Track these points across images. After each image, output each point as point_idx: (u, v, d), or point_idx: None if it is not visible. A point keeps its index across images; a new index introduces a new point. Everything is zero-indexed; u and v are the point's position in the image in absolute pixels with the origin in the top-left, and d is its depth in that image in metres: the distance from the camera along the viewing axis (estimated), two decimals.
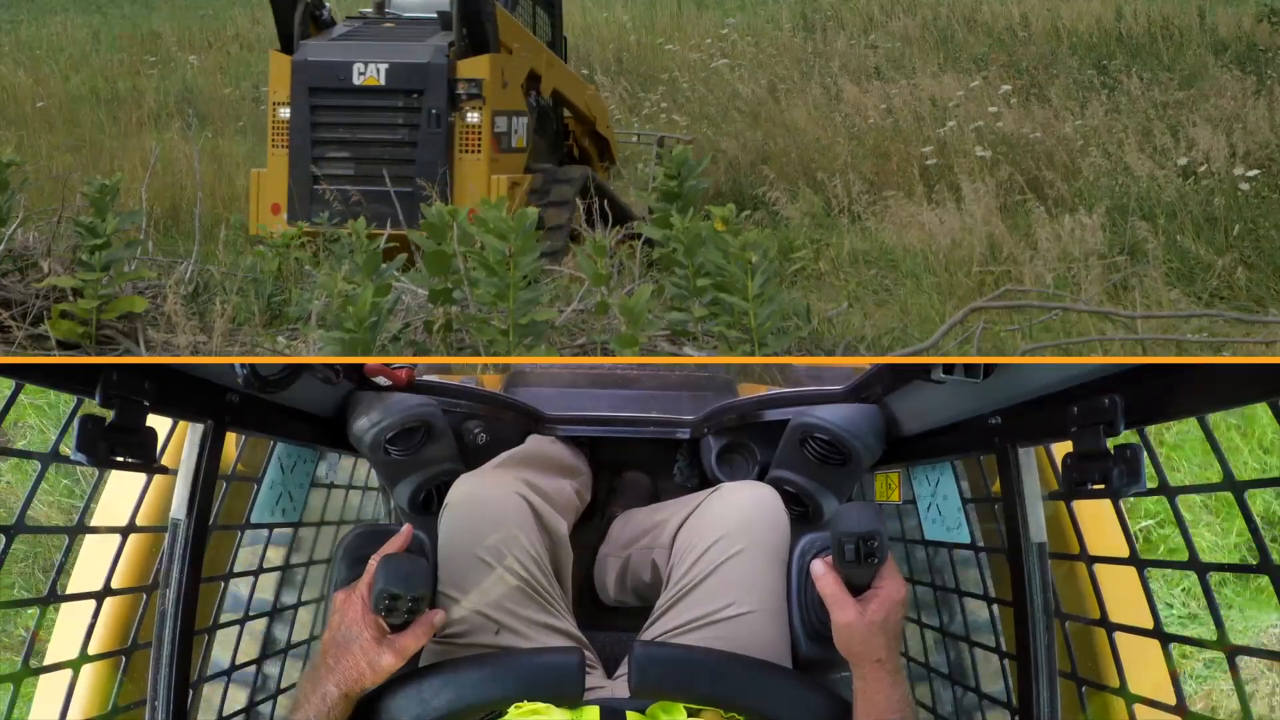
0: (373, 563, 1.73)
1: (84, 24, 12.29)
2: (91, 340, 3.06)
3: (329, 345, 2.56)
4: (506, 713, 1.70)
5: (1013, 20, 9.57)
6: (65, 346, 3.04)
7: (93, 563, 2.08)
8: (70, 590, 2.15)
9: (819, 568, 1.70)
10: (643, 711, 1.74)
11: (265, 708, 2.41)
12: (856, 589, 1.70)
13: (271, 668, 2.46)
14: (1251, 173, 5.62)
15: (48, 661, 1.95)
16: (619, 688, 1.96)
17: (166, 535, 1.89)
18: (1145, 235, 5.10)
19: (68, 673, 1.85)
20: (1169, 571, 3.73)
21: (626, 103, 9.23)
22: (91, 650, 1.91)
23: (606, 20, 11.11)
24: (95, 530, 2.40)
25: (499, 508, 2.13)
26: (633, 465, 2.96)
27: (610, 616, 2.60)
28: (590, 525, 2.83)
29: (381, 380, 2.35)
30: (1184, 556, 1.64)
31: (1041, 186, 6.27)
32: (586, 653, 2.04)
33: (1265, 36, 8.17)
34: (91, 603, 1.96)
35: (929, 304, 4.69)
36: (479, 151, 4.76)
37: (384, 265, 2.86)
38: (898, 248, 5.70)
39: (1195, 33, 8.72)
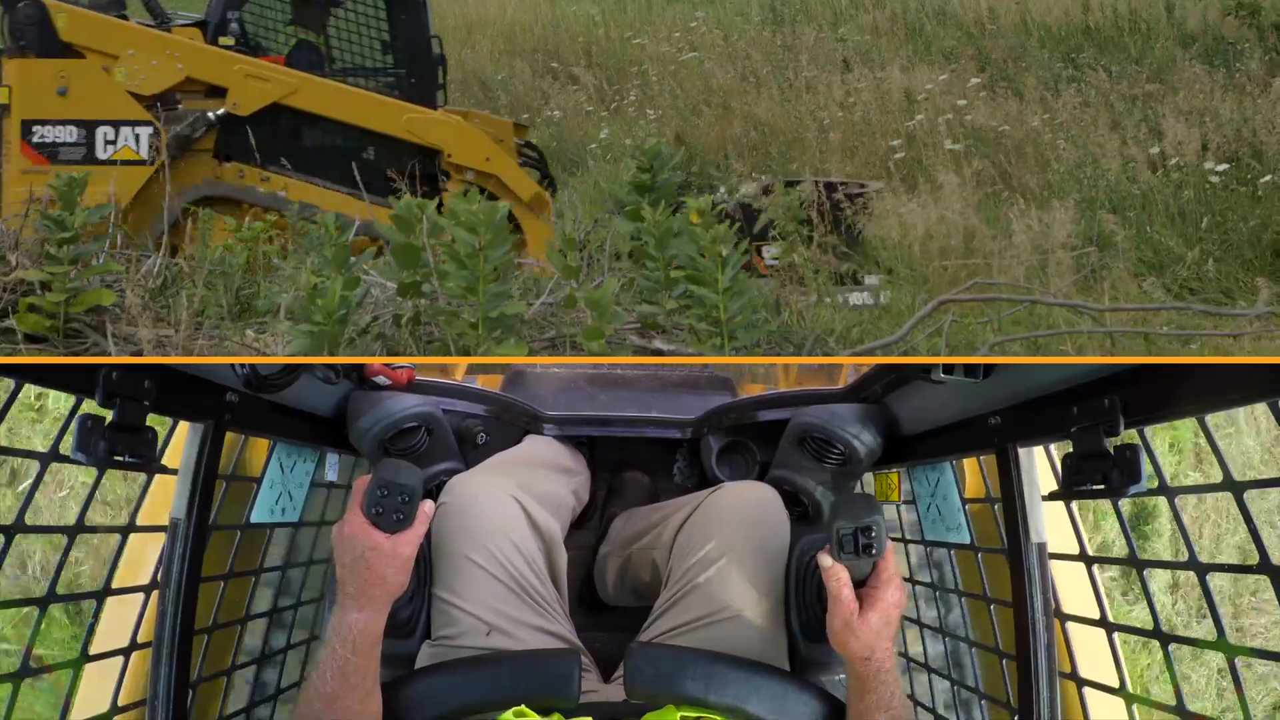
0: (359, 482, 1.73)
1: None
2: (59, 334, 3.07)
3: (297, 338, 2.57)
4: (501, 717, 1.70)
5: (981, 14, 9.57)
6: (32, 340, 3.05)
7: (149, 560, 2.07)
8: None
9: (827, 560, 1.69)
10: (638, 717, 1.74)
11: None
12: (854, 583, 1.70)
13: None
14: (1221, 166, 5.63)
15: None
16: (614, 691, 1.96)
17: (166, 535, 1.89)
18: (1114, 228, 5.10)
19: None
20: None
21: (596, 97, 9.17)
22: None
23: (575, 14, 11.06)
24: (95, 530, 2.40)
25: (490, 510, 2.13)
26: (632, 465, 2.96)
27: (609, 617, 2.60)
28: (589, 525, 2.84)
29: (381, 380, 2.35)
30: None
31: (1011, 179, 6.26)
32: (582, 657, 2.04)
33: (1233, 30, 8.16)
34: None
35: (899, 298, 4.66)
36: (9, 161, 4.63)
37: (353, 258, 2.87)
38: (874, 239, 5.65)
39: (1163, 25, 8.73)
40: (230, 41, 4.98)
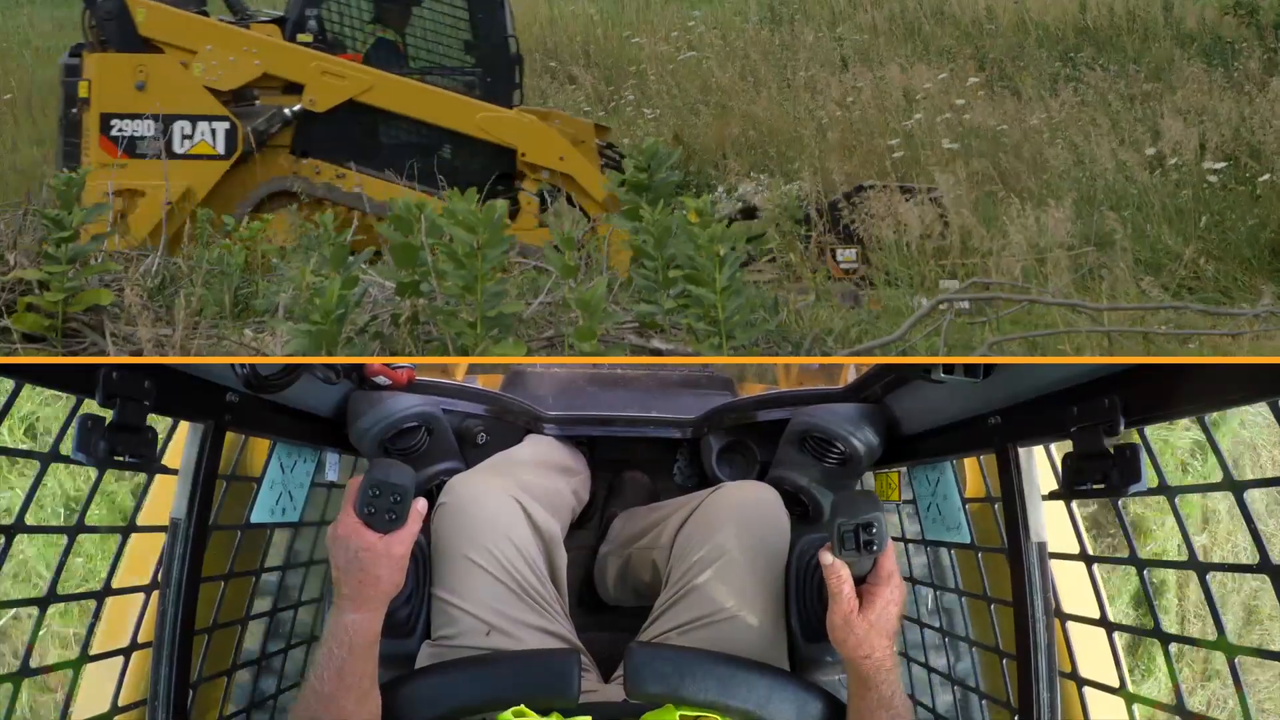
0: (352, 483, 1.73)
1: (48, 16, 12.19)
2: (57, 333, 3.08)
3: (296, 338, 2.58)
4: (500, 717, 1.70)
5: (979, 13, 9.57)
6: (30, 339, 3.05)
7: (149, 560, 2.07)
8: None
9: (828, 557, 1.69)
10: (637, 717, 1.74)
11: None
12: (855, 580, 1.71)
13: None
14: (1219, 165, 5.62)
15: None
16: (614, 691, 1.96)
17: (166, 535, 1.89)
18: (1113, 227, 5.10)
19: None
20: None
21: (594, 97, 9.17)
22: None
23: (573, 13, 11.07)
24: (95, 530, 2.40)
25: (489, 510, 2.13)
26: (632, 465, 2.96)
27: (609, 617, 2.60)
28: (589, 525, 2.84)
29: (382, 380, 2.35)
30: None
31: (1009, 178, 6.25)
32: (582, 656, 2.04)
33: (1231, 29, 8.18)
34: None
35: (896, 296, 4.66)
36: (86, 154, 4.71)
37: (351, 257, 2.88)
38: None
39: (1161, 25, 8.75)
40: (308, 38, 5.03)
